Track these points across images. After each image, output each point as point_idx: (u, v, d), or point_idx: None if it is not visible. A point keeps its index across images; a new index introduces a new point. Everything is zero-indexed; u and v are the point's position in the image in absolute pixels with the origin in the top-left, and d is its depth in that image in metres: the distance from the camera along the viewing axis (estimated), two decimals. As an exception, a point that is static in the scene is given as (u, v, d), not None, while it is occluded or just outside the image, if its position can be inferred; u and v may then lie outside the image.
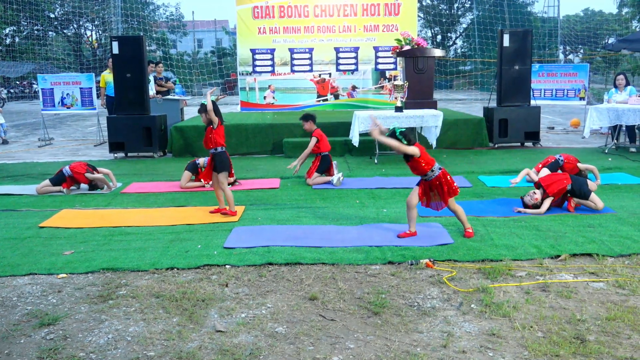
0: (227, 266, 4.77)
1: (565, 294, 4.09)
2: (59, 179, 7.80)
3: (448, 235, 5.42)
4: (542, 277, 4.44)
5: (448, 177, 5.33)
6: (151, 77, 12.89)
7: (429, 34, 41.60)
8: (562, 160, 7.41)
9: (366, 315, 3.83)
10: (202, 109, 6.31)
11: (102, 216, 6.44)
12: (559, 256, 4.85)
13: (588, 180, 6.61)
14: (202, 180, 7.74)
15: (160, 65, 14.07)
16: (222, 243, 5.33)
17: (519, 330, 3.56)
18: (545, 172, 7.28)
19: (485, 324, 3.65)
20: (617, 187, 7.56)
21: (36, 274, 4.66)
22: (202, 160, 7.96)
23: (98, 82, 13.59)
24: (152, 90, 12.71)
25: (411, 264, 4.71)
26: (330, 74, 14.58)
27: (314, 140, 8.14)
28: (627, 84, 11.47)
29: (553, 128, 14.98)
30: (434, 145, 9.95)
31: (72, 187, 7.86)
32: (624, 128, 11.19)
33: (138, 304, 4.05)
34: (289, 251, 5.05)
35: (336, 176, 8.00)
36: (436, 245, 5.17)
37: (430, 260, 4.73)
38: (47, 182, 7.82)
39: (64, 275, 4.63)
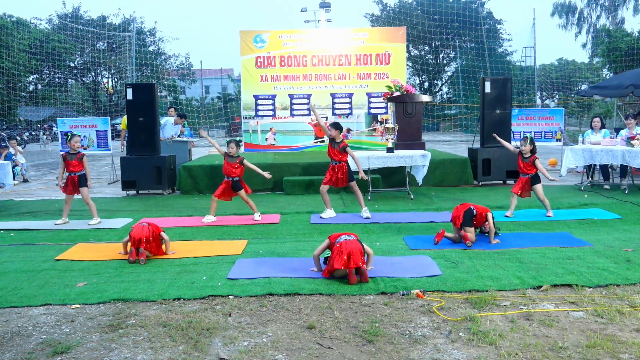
0: (230, 296, 4.72)
1: (547, 322, 4.05)
2: None
3: (437, 267, 5.39)
4: (525, 306, 4.39)
5: None
6: (172, 120, 13.01)
7: (417, 81, 42.18)
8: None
9: (361, 343, 3.77)
10: None
11: (114, 250, 6.39)
12: (540, 287, 4.82)
13: None
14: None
15: (172, 110, 14.18)
16: (226, 274, 5.28)
17: (505, 357, 3.50)
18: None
19: (473, 352, 3.60)
20: (593, 222, 7.56)
21: (51, 305, 4.61)
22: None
23: (114, 125, 13.68)
24: (171, 132, 12.82)
25: (403, 294, 4.67)
26: (327, 118, 14.68)
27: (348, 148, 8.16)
28: (602, 126, 11.48)
29: (532, 167, 15.00)
30: (420, 182, 9.99)
31: None
32: (598, 167, 11.25)
33: (146, 333, 3.99)
34: (289, 282, 5.01)
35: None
36: (426, 276, 5.13)
37: (420, 291, 4.69)
38: None
39: (77, 305, 4.58)
